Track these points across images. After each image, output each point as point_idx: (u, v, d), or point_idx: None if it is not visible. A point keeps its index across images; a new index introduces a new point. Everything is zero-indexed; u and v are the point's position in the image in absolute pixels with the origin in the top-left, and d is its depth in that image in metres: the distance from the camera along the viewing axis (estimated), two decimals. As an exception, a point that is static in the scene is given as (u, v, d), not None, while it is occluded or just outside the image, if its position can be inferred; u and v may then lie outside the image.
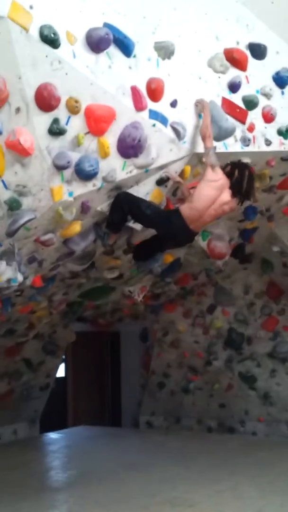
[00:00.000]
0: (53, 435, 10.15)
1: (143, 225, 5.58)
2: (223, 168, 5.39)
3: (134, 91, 4.84)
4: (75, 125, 4.51)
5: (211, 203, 5.32)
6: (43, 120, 4.35)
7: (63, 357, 10.76)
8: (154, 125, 5.01)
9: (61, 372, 11.19)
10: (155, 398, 10.75)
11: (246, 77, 5.72)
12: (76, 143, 4.56)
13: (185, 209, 5.31)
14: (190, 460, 8.05)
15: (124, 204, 5.21)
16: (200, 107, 5.36)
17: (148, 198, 5.37)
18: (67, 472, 7.83)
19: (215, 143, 5.47)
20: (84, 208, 4.93)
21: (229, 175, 5.38)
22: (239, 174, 5.41)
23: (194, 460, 8.04)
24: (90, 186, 4.78)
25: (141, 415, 10.90)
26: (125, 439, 9.75)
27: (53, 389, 10.30)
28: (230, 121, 5.59)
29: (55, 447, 9.52)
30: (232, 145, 5.62)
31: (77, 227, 5.06)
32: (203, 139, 5.32)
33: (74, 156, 4.58)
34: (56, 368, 10.19)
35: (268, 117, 5.86)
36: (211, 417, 10.38)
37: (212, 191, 5.30)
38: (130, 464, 7.87)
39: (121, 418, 11.54)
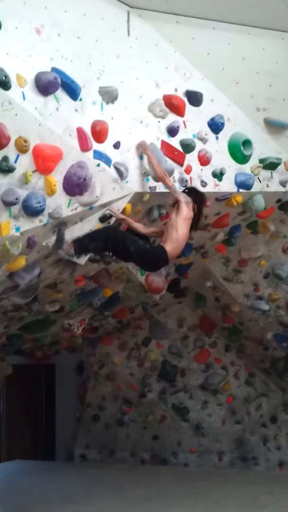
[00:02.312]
0: (-15, 470, 10.00)
1: (120, 258, 5.81)
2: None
3: (80, 132, 5.05)
4: (24, 163, 4.65)
5: (186, 238, 5.66)
6: (-7, 158, 4.49)
7: (-3, 390, 10.67)
8: (98, 165, 5.23)
9: (-6, 405, 11.07)
10: (90, 431, 10.77)
11: (184, 122, 6.04)
12: (24, 180, 4.68)
13: (169, 247, 5.51)
14: (125, 492, 8.12)
15: (109, 241, 5.40)
16: (141, 149, 5.65)
17: (91, 234, 5.56)
18: (1, 507, 7.74)
19: (154, 184, 5.78)
20: (30, 243, 5.04)
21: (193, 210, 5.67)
22: (198, 211, 5.73)
23: (129, 492, 8.11)
24: (36, 222, 4.90)
25: (76, 448, 10.87)
26: (60, 472, 9.70)
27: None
28: (169, 162, 5.88)
29: (-12, 483, 9.39)
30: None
31: (22, 261, 5.15)
32: (162, 180, 5.61)
33: (22, 193, 4.69)
34: (-10, 402, 10.10)
35: (204, 160, 6.19)
36: (144, 449, 10.49)
37: (188, 227, 5.62)
38: (65, 497, 7.86)
39: (55, 451, 11.47)
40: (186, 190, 5.81)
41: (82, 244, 5.41)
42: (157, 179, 5.68)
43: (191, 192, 5.78)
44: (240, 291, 8.42)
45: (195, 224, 5.75)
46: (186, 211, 5.58)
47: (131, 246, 5.41)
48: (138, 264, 5.94)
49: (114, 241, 5.44)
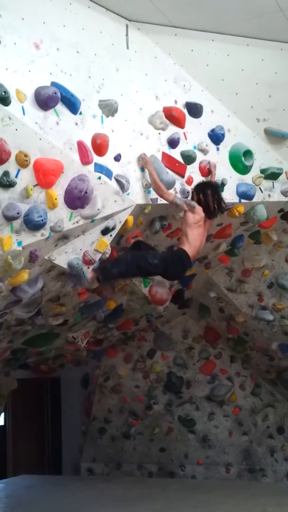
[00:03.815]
0: (-8, 485, 9.97)
1: (147, 275, 6.18)
2: (192, 199, 5.85)
3: (81, 146, 5.08)
4: (24, 178, 4.67)
5: (203, 237, 5.87)
6: (-6, 173, 4.51)
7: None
8: (99, 178, 5.25)
9: (0, 420, 11.04)
10: (96, 444, 10.73)
11: (184, 133, 6.07)
12: (25, 194, 4.71)
13: (188, 249, 5.75)
14: (132, 506, 8.06)
15: (131, 262, 5.55)
16: (142, 162, 5.67)
17: (93, 247, 5.57)
18: (8, 522, 7.73)
19: (156, 195, 5.79)
20: (33, 257, 5.05)
21: (198, 202, 5.80)
22: (203, 196, 5.84)
23: (136, 506, 8.06)
24: (38, 236, 4.91)
25: (82, 462, 10.83)
26: (66, 486, 9.66)
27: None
28: (170, 174, 5.90)
29: (-5, 497, 9.36)
30: (173, 197, 5.92)
31: (25, 276, 5.16)
32: (161, 196, 5.70)
33: (23, 207, 4.72)
34: (-3, 417, 10.08)
35: (205, 171, 6.20)
36: (151, 461, 10.45)
37: (201, 228, 5.81)
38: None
39: (62, 465, 11.43)
40: (193, 191, 5.94)
41: (106, 272, 5.58)
42: (157, 193, 5.75)
43: (198, 190, 5.91)
44: (244, 301, 8.41)
45: (211, 213, 5.88)
46: (190, 218, 5.77)
47: (154, 260, 5.56)
48: (166, 275, 5.95)
49: (136, 261, 5.56)
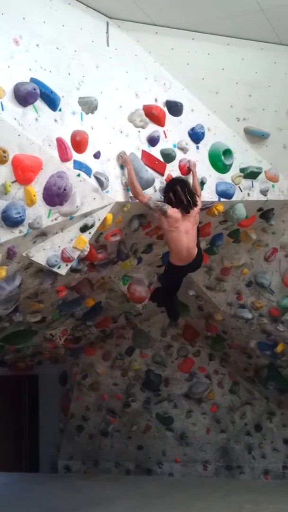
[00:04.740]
0: None
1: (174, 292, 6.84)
2: (164, 198, 5.89)
3: (60, 142, 5.05)
4: (3, 174, 4.64)
5: (184, 237, 5.92)
6: (-29, 169, 4.48)
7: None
8: (78, 175, 5.23)
9: (-23, 418, 10.98)
10: (74, 442, 10.71)
11: (164, 132, 6.07)
12: (3, 191, 4.67)
13: (174, 259, 6.11)
14: (109, 504, 8.07)
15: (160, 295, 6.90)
16: (121, 160, 5.67)
17: (72, 244, 5.55)
18: (-15, 520, 7.69)
19: (135, 193, 5.79)
20: (10, 254, 5.02)
21: (170, 201, 5.85)
22: (174, 194, 5.87)
23: (113, 503, 8.07)
24: (16, 233, 4.87)
25: (60, 460, 10.80)
26: (43, 484, 9.64)
27: None
28: (150, 172, 5.89)
29: (-29, 496, 9.30)
30: (152, 195, 5.89)
31: (2, 272, 5.11)
32: (135, 197, 5.70)
33: (1, 204, 4.68)
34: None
35: (185, 170, 6.20)
36: (129, 459, 10.46)
37: (179, 230, 5.89)
38: (48, 509, 7.81)
39: (39, 463, 11.38)
40: (163, 193, 5.95)
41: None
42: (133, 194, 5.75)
43: (167, 189, 5.93)
44: (223, 299, 8.44)
45: (184, 208, 5.89)
46: (165, 223, 5.89)
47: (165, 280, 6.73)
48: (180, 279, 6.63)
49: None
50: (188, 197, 5.91)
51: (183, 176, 6.11)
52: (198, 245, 6.19)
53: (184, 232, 5.95)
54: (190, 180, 6.16)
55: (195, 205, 6.00)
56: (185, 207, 5.91)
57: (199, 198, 6.08)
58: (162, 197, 5.99)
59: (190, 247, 6.04)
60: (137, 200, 5.75)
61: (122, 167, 5.72)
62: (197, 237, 6.15)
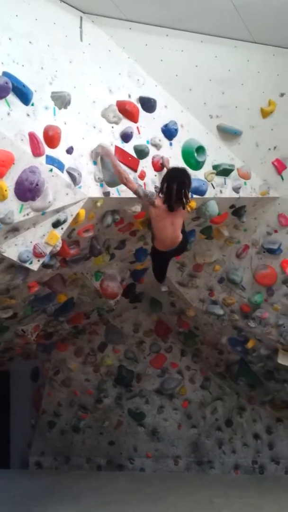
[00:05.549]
0: None
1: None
2: (161, 185, 5.94)
3: (32, 137, 5.01)
4: (-26, 168, 4.63)
5: (169, 226, 6.02)
6: None
7: None
8: (51, 170, 5.20)
9: None
10: (45, 438, 10.68)
11: (138, 128, 6.07)
12: (-25, 185, 4.66)
13: (158, 245, 6.23)
14: (81, 499, 8.08)
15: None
16: (102, 152, 5.66)
17: (44, 240, 5.52)
18: None
19: (108, 189, 5.78)
20: (-19, 249, 5.01)
21: (162, 192, 5.90)
22: (167, 188, 5.88)
23: (84, 499, 8.08)
24: (-13, 228, 4.87)
25: (31, 456, 10.75)
26: (14, 480, 9.59)
27: None
28: (123, 168, 5.84)
29: None
30: (124, 191, 5.91)
31: (-27, 268, 5.11)
32: (124, 185, 5.71)
33: (-28, 199, 4.67)
34: None
35: (158, 166, 6.22)
36: (100, 455, 10.46)
37: (165, 220, 5.98)
38: (19, 506, 7.78)
39: (10, 459, 11.31)
40: (161, 182, 6.02)
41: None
42: (120, 182, 5.73)
43: (164, 179, 5.96)
44: (195, 296, 8.48)
45: (170, 206, 5.90)
46: (152, 211, 5.97)
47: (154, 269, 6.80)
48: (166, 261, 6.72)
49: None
50: (179, 197, 5.89)
51: (189, 172, 6.08)
52: (183, 230, 6.24)
53: (170, 223, 6.01)
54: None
55: (183, 208, 6.02)
56: (171, 206, 5.91)
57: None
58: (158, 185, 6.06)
59: (175, 236, 6.12)
60: (126, 188, 5.76)
61: (95, 162, 5.70)
62: (182, 224, 6.20)
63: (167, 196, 5.88)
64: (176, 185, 5.87)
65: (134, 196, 5.89)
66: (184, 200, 5.94)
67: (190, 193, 6.04)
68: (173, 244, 6.19)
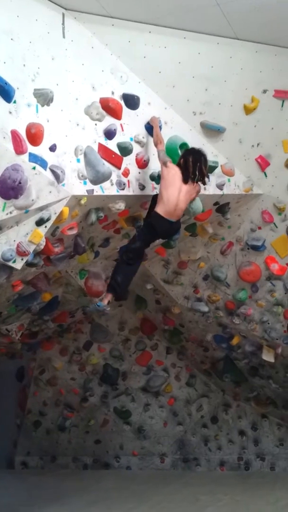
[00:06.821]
0: None
1: (139, 255, 6.39)
2: (178, 162, 6.02)
3: (14, 135, 4.97)
4: None
5: (177, 193, 5.98)
6: None
7: None
8: (34, 168, 5.16)
9: None
10: (31, 437, 10.64)
11: (121, 125, 6.05)
12: None
13: (160, 208, 6.00)
14: (67, 498, 8.05)
15: (120, 269, 6.32)
16: (151, 122, 6.13)
17: (27, 238, 5.48)
18: None
19: (92, 186, 5.75)
20: None
21: (179, 165, 5.99)
22: (184, 161, 5.98)
23: (71, 498, 8.05)
24: None
25: (17, 455, 10.72)
26: (0, 480, 9.54)
27: None
28: (107, 165, 5.87)
29: None
30: (108, 189, 5.91)
31: None
32: (156, 145, 6.08)
33: None
34: None
35: (141, 163, 6.22)
36: (86, 453, 10.45)
37: (175, 187, 5.95)
38: (4, 506, 7.73)
39: (-5, 459, 11.26)
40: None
41: (115, 288, 6.29)
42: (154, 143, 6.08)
43: (182, 155, 6.08)
44: (180, 293, 8.48)
45: (186, 177, 5.98)
46: (165, 172, 5.98)
47: (136, 243, 6.18)
48: (152, 240, 6.41)
49: (119, 264, 6.36)
50: (195, 171, 5.98)
51: (204, 152, 6.16)
52: (178, 220, 6.23)
53: (179, 190, 6.00)
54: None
55: (197, 181, 6.10)
56: (186, 177, 5.98)
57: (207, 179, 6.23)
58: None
59: (179, 205, 6.06)
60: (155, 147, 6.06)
61: (78, 160, 5.67)
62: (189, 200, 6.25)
63: (184, 168, 5.98)
64: (191, 157, 5.98)
65: (120, 193, 5.90)
66: (203, 175, 6.06)
67: (207, 172, 6.16)
68: (175, 213, 6.05)
